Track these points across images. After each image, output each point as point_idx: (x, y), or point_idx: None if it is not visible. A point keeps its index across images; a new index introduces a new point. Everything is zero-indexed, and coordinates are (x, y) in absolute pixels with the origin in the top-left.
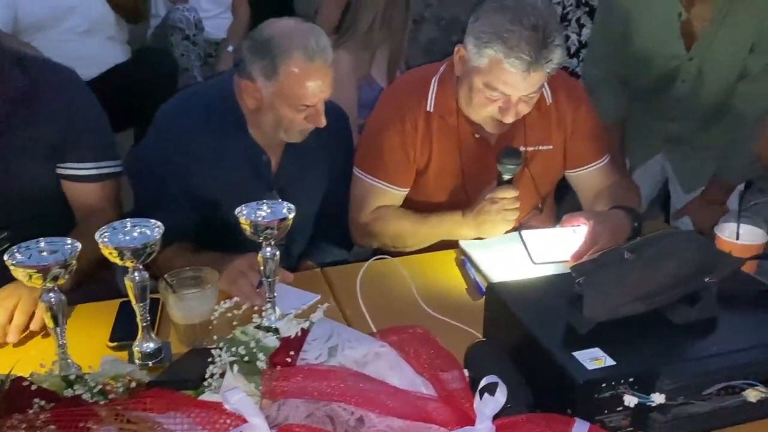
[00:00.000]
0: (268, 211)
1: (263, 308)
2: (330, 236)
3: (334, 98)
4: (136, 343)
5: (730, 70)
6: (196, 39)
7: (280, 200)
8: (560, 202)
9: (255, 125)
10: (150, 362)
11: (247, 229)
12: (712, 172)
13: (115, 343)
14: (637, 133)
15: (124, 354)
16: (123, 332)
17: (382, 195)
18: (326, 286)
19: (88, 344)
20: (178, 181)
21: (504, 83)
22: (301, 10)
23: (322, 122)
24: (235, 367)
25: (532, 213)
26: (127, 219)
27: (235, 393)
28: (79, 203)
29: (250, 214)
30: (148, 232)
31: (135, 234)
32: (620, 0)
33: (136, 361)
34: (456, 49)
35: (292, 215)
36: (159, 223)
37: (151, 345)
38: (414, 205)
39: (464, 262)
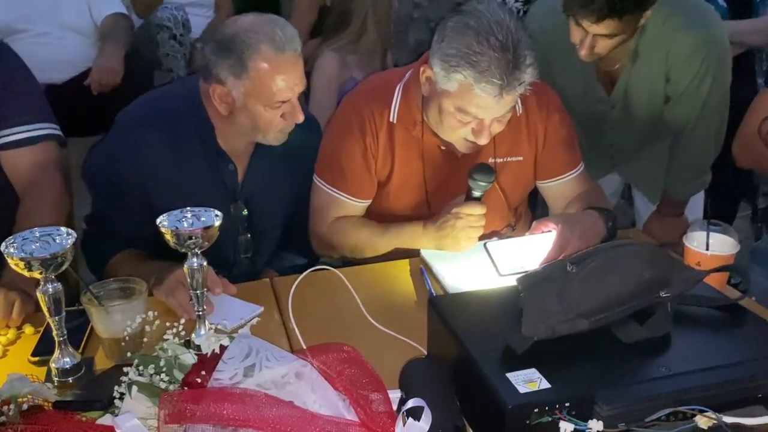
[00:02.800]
0: (192, 219)
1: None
2: (295, 245)
3: (315, 100)
4: (53, 359)
5: (653, 100)
6: (183, 39)
7: (245, 211)
8: (535, 209)
9: (224, 132)
10: (69, 379)
11: (169, 239)
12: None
13: (36, 358)
14: (586, 153)
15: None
16: (47, 347)
17: (341, 206)
18: (273, 297)
19: (18, 358)
20: (133, 189)
21: (477, 107)
22: (287, 12)
23: (300, 117)
24: (134, 389)
25: (505, 230)
26: (36, 228)
27: (127, 418)
28: (18, 172)
29: (172, 223)
30: (58, 240)
31: (48, 242)
32: (536, 42)
33: (54, 378)
34: (421, 69)
35: (218, 222)
36: (71, 231)
37: (68, 361)
38: (376, 216)
39: (422, 271)
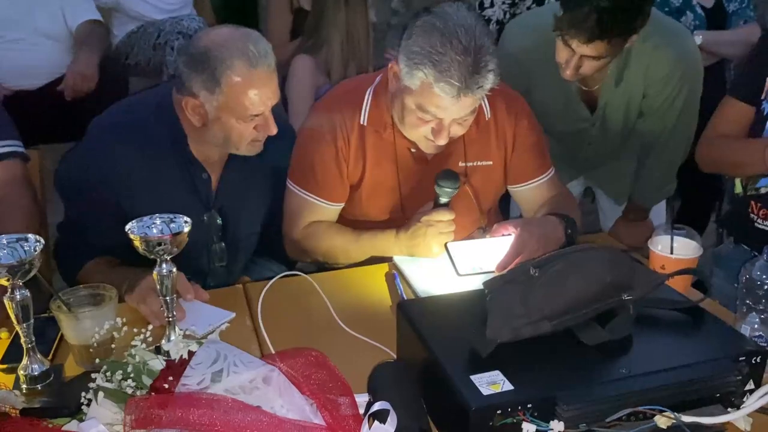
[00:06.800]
0: (162, 225)
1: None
2: (270, 251)
3: (293, 105)
4: (21, 366)
5: (628, 114)
6: None
7: (219, 220)
8: (508, 212)
9: (198, 141)
10: (38, 386)
11: (138, 245)
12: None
13: (5, 366)
14: (555, 160)
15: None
16: (17, 354)
17: (314, 210)
18: (245, 303)
19: None
20: (106, 198)
21: (436, 106)
22: (264, 16)
23: (273, 130)
24: (101, 395)
25: (477, 233)
26: (3, 235)
27: (92, 424)
28: None
29: (141, 230)
30: (26, 247)
31: (15, 249)
32: (515, 61)
33: (22, 385)
34: (390, 65)
35: (187, 229)
36: (39, 238)
37: (37, 368)
38: (349, 220)
39: (394, 276)
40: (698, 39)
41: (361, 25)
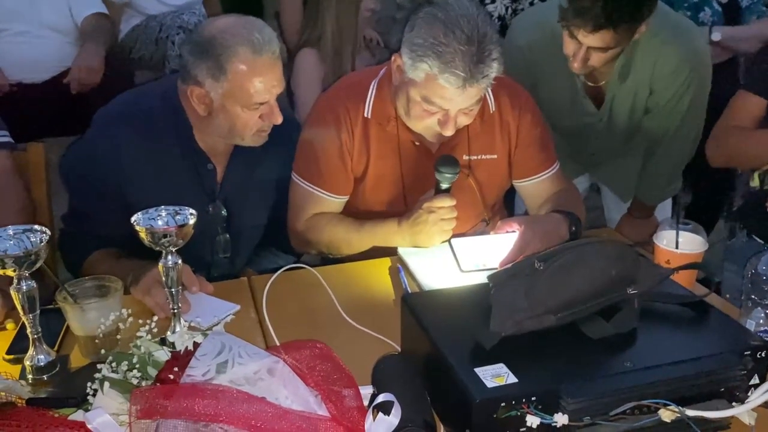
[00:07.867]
0: (167, 217)
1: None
2: (276, 242)
3: (299, 99)
4: (27, 356)
5: (634, 111)
6: None
7: (224, 211)
8: (513, 206)
9: (203, 132)
10: (44, 376)
11: (144, 237)
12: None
13: (11, 356)
14: (563, 160)
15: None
16: (23, 344)
17: (319, 202)
18: (250, 295)
19: None
20: (110, 188)
21: (441, 98)
22: (270, 12)
23: (279, 119)
24: (106, 385)
25: (480, 225)
26: (9, 226)
27: (98, 413)
28: None
29: (146, 222)
30: (32, 238)
31: (22, 240)
32: (522, 56)
33: (28, 375)
34: (393, 58)
35: (192, 221)
36: (45, 229)
37: (43, 358)
38: (354, 212)
39: (399, 269)
40: (717, 35)
41: (350, 16)
